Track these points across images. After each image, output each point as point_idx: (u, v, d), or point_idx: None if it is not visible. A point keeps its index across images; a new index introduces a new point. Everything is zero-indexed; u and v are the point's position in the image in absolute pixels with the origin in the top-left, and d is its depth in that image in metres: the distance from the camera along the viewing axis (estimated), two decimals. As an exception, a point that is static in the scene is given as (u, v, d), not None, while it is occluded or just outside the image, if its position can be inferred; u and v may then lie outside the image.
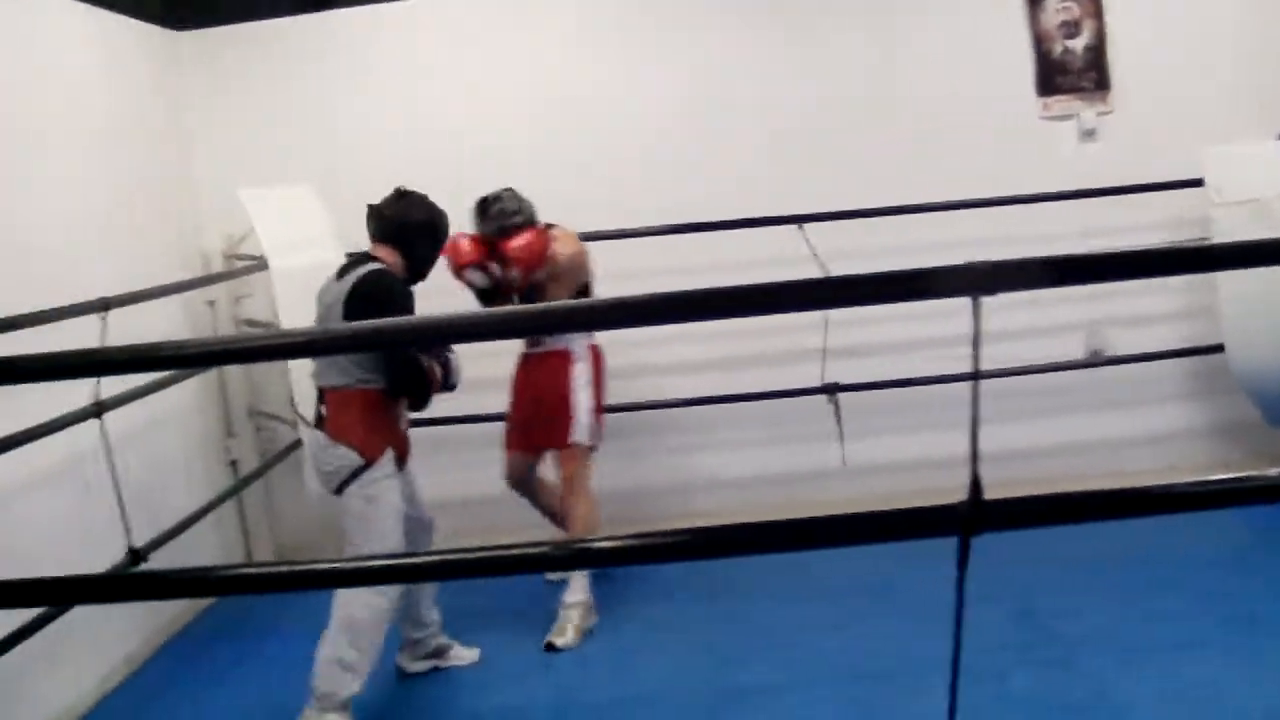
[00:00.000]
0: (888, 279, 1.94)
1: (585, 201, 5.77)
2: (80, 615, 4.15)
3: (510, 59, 6.10)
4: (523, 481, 5.21)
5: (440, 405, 4.55)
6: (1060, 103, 6.04)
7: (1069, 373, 5.94)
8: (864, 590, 4.90)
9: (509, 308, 4.60)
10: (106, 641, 4.75)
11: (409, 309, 4.11)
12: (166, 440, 5.41)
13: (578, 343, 5.01)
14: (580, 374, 4.99)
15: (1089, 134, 6.01)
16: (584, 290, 5.04)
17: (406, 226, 4.25)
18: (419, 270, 4.34)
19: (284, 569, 2.43)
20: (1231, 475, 2.02)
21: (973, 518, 1.88)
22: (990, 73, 6.00)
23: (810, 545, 2.21)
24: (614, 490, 5.50)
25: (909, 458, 5.88)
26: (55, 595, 2.86)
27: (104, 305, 4.28)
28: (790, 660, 4.43)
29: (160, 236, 5.65)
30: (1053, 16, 6.02)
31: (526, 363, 5.16)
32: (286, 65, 6.11)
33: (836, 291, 2.34)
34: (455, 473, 5.68)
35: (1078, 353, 6.00)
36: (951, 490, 1.96)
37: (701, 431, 6.14)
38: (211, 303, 5.89)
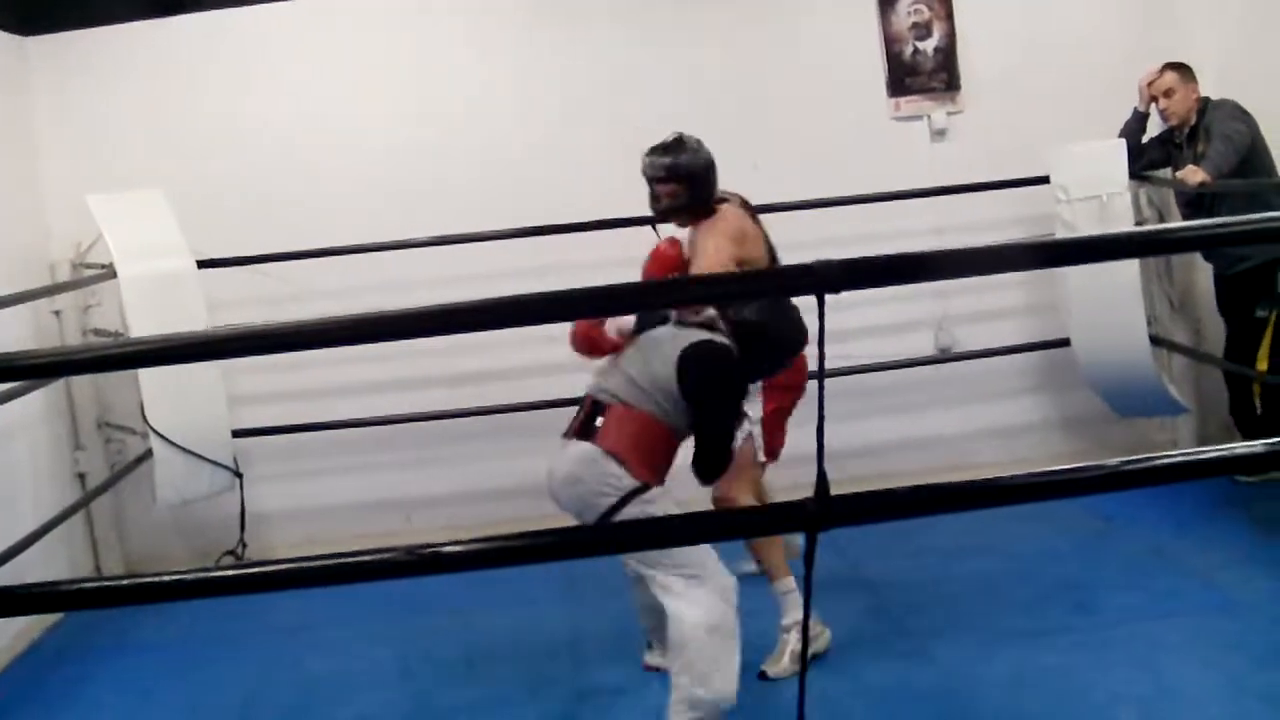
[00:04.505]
0: (735, 278, 1.96)
1: (442, 202, 5.81)
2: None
3: (362, 60, 6.03)
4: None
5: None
6: (911, 103, 6.15)
7: (919, 369, 6.05)
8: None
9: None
10: (-53, 662, 4.59)
11: (741, 385, 3.91)
12: (11, 453, 5.25)
13: None
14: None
15: (940, 134, 6.14)
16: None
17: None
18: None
19: (134, 582, 2.37)
20: (1072, 466, 2.06)
21: (819, 514, 1.90)
22: (842, 74, 6.09)
23: (663, 544, 2.21)
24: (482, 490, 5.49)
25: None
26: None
27: (-57, 315, 4.12)
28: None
29: (4, 245, 5.47)
30: (904, 19, 6.13)
31: None
32: (135, 70, 5.96)
33: (686, 291, 2.34)
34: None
35: (928, 349, 6.11)
36: (803, 486, 1.97)
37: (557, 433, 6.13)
38: (58, 312, 5.71)
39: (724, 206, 4.22)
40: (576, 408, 3.82)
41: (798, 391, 4.55)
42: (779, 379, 4.38)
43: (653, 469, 3.67)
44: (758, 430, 4.41)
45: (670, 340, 3.75)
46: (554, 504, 3.78)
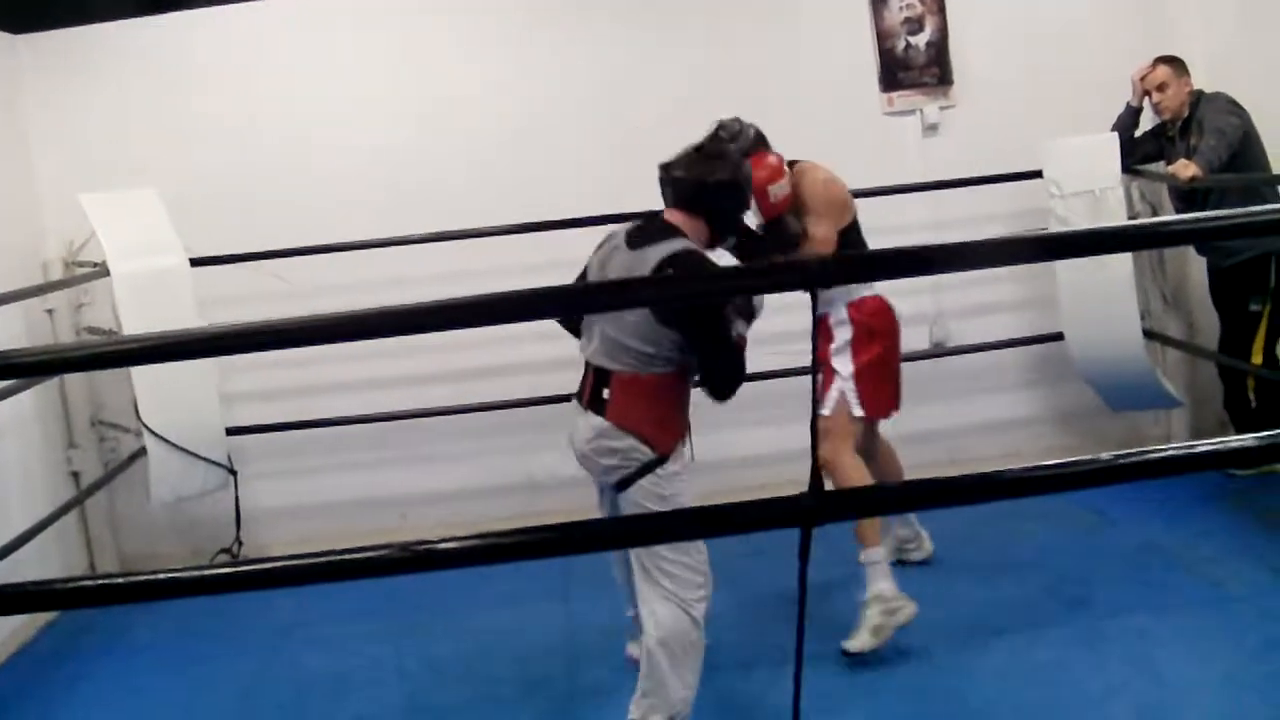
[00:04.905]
0: (727, 274, 1.95)
1: (438, 198, 5.81)
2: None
3: (357, 57, 6.02)
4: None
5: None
6: (904, 98, 6.15)
7: (914, 363, 6.03)
8: (720, 582, 4.94)
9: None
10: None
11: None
12: (4, 452, 5.24)
13: (835, 306, 4.45)
14: (840, 336, 4.43)
15: (932, 128, 6.14)
16: (852, 232, 4.56)
17: (707, 187, 3.69)
18: (723, 236, 3.82)
19: (128, 580, 2.36)
20: (1066, 460, 2.06)
21: (814, 509, 1.90)
22: (834, 69, 6.09)
23: (658, 539, 2.21)
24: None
25: (757, 452, 5.93)
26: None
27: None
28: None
29: (-3, 243, 5.47)
30: (896, 14, 6.12)
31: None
32: (128, 68, 5.95)
33: (678, 287, 2.34)
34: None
35: (922, 343, 6.11)
36: (799, 481, 1.97)
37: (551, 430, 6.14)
38: (51, 311, 5.70)
39: (807, 166, 4.41)
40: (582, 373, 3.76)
41: (889, 338, 4.52)
42: (861, 327, 4.42)
43: (670, 431, 3.64)
44: (849, 387, 4.39)
45: (631, 275, 3.59)
46: (582, 466, 3.80)
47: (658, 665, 3.57)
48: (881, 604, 4.18)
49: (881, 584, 4.21)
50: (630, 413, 3.59)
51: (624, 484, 3.62)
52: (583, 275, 3.89)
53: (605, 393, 3.62)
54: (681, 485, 3.64)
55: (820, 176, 4.44)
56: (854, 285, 4.44)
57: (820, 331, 4.43)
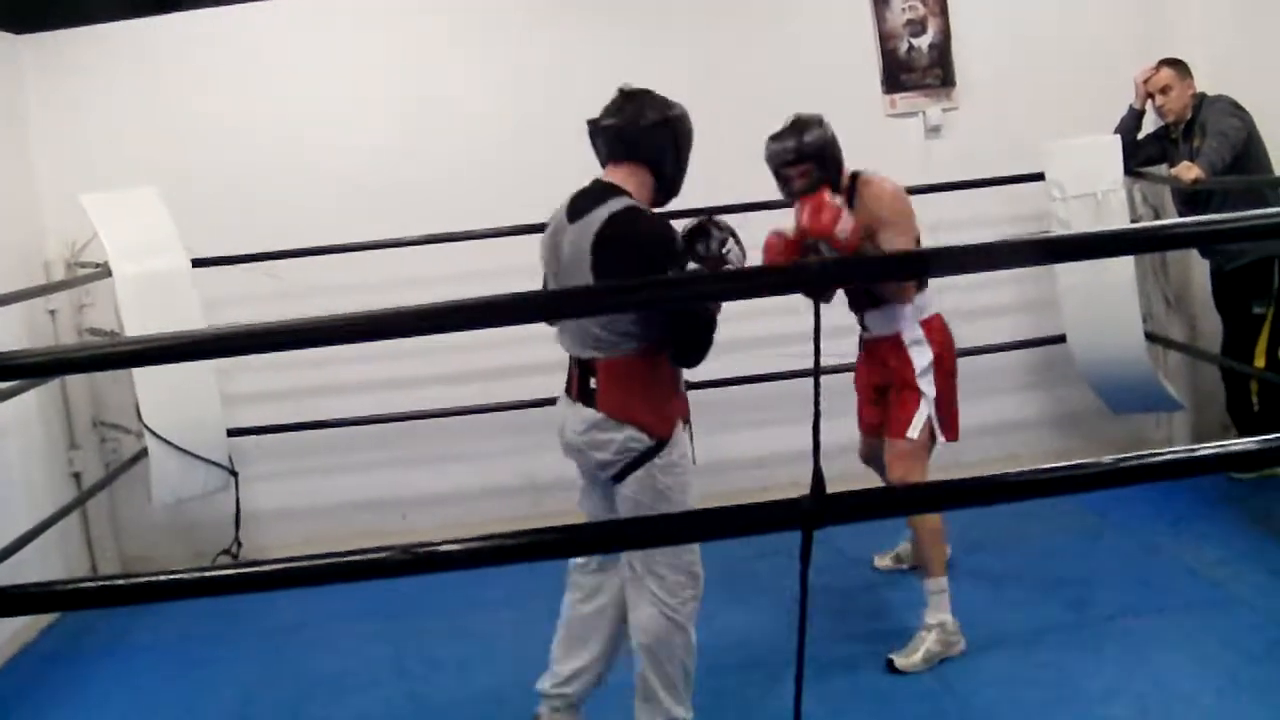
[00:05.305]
0: (727, 277, 1.95)
1: (439, 200, 5.81)
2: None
3: (357, 58, 6.02)
4: (872, 459, 4.71)
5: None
6: (906, 100, 6.15)
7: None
8: (722, 584, 4.94)
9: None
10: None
11: (676, 253, 3.38)
12: (6, 453, 5.24)
13: (908, 323, 4.31)
14: (921, 359, 4.28)
15: (934, 130, 6.14)
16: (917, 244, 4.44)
17: (642, 131, 3.49)
18: (671, 187, 3.58)
19: (129, 581, 2.36)
20: (1068, 463, 2.06)
21: (815, 511, 1.90)
22: (837, 71, 6.08)
23: (660, 542, 2.20)
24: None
25: (759, 454, 5.92)
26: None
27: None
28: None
29: (-1, 244, 5.47)
30: (898, 15, 6.12)
31: (865, 348, 4.58)
32: (129, 68, 5.95)
33: (677, 289, 2.34)
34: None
35: (925, 345, 6.10)
36: (802, 484, 1.97)
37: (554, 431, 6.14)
38: (53, 312, 5.71)
39: (874, 179, 4.29)
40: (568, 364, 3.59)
41: (953, 358, 4.40)
42: (938, 346, 4.30)
43: (666, 414, 3.46)
44: (934, 412, 4.27)
45: (578, 249, 3.41)
46: (571, 459, 3.67)
47: (643, 671, 3.54)
48: (942, 633, 4.16)
49: (944, 614, 4.19)
50: (622, 400, 3.41)
51: (620, 476, 3.45)
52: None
53: (592, 382, 3.44)
54: (679, 478, 3.47)
55: (889, 188, 4.29)
56: (922, 301, 4.33)
57: (891, 351, 4.34)
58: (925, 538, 4.22)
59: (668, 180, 3.55)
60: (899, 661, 4.10)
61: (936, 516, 4.23)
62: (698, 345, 3.39)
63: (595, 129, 3.57)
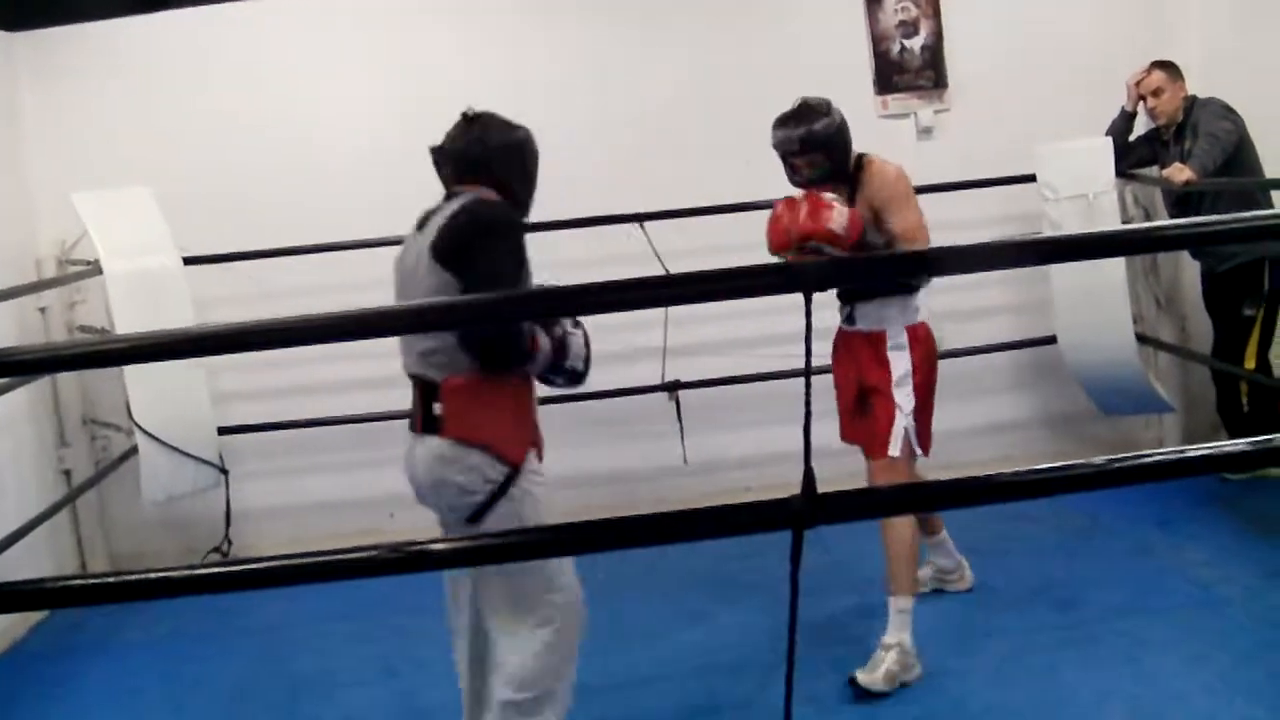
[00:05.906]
0: (721, 276, 1.95)
1: (432, 199, 5.77)
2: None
3: (352, 57, 6.02)
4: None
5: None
6: (898, 101, 6.16)
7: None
8: (712, 585, 4.95)
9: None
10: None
11: (520, 243, 3.28)
12: (-5, 450, 5.23)
13: (895, 324, 4.11)
14: (899, 366, 4.08)
15: (926, 132, 6.15)
16: None
17: (490, 153, 3.43)
18: (521, 208, 3.50)
19: (119, 579, 2.35)
20: (1058, 464, 2.06)
21: (806, 511, 1.90)
22: (829, 71, 6.06)
23: (649, 542, 2.20)
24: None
25: (750, 454, 5.93)
26: None
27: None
28: (642, 655, 4.44)
29: (-11, 241, 5.46)
30: (891, 16, 6.13)
31: (843, 341, 4.29)
32: (122, 67, 5.94)
33: (674, 289, 2.34)
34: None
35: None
36: (792, 484, 1.97)
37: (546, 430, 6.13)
38: (44, 309, 5.70)
39: (875, 161, 4.13)
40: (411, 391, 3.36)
41: (934, 368, 4.19)
42: (918, 355, 4.09)
43: (517, 437, 3.22)
44: (911, 425, 4.07)
45: (419, 257, 3.28)
46: (427, 506, 3.42)
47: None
48: (901, 654, 4.01)
49: (904, 634, 4.02)
50: (470, 424, 3.15)
51: (476, 516, 3.15)
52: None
53: (437, 408, 3.19)
54: (539, 508, 3.19)
55: (891, 169, 4.11)
56: (911, 304, 4.14)
57: (868, 350, 4.16)
58: (898, 553, 4.05)
59: (518, 200, 3.50)
60: (862, 678, 3.95)
61: (911, 536, 4.09)
62: (500, 344, 3.14)
63: (440, 154, 3.50)
